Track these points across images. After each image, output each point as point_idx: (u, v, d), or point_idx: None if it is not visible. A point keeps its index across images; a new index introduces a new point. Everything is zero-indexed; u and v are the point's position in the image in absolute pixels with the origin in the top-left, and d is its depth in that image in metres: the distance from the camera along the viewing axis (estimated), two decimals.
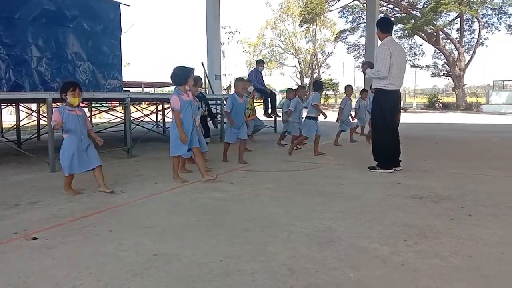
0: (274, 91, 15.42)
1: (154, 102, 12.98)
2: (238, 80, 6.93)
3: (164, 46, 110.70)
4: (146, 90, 19.63)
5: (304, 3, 40.47)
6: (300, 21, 41.65)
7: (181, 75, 5.03)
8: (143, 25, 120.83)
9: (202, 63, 13.42)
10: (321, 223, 3.50)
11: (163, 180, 5.33)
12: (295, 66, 48.94)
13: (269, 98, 11.54)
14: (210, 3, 15.17)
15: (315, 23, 42.23)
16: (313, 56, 46.91)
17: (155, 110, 13.17)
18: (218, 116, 10.07)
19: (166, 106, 12.18)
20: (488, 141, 10.28)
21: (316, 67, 47.40)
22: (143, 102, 13.76)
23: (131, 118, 7.84)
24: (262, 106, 11.74)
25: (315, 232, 3.27)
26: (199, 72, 13.64)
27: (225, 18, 59.53)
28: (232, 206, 4.10)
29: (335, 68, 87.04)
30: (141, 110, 12.90)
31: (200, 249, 2.91)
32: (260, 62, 12.07)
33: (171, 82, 5.25)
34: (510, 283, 2.42)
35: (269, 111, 11.52)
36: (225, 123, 7.83)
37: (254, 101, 10.41)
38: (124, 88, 11.18)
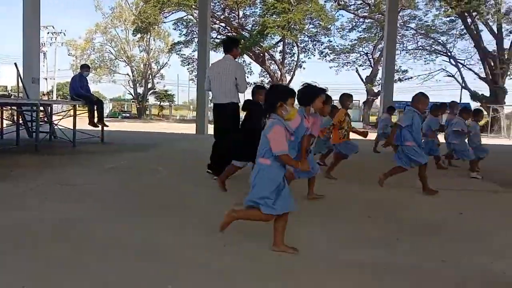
0: (102, 99, 14.50)
1: None
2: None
3: None
4: None
5: (138, 12, 39.56)
6: (133, 30, 40.47)
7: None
8: None
9: (15, 63, 11.80)
10: None
11: None
12: (128, 75, 47.26)
13: (96, 106, 10.80)
14: None
15: (149, 33, 41.61)
16: (147, 65, 46.07)
17: None
18: None
19: None
20: None
21: (150, 76, 46.65)
22: None
23: None
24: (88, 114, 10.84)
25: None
26: (12, 73, 12.02)
27: (47, 18, 54.00)
28: None
29: (170, 79, 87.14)
30: None
31: None
32: (84, 67, 11.22)
33: None
34: None
35: (95, 119, 10.78)
36: None
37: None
38: None
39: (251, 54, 36.49)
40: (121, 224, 3.66)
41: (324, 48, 37.12)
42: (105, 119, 11.73)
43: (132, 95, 48.01)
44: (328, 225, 3.93)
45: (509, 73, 30.70)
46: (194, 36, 37.28)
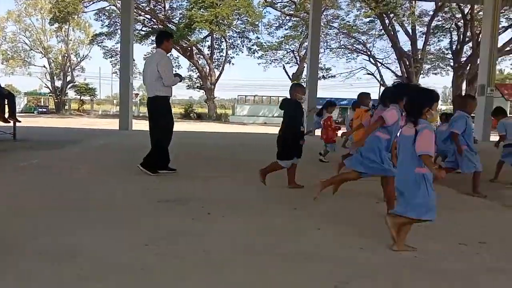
0: (15, 92, 13.37)
1: None
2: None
3: None
4: None
5: (55, 0, 37.02)
6: (50, 19, 37.82)
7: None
8: None
9: None
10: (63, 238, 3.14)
11: None
12: (44, 67, 44.13)
13: (6, 100, 9.92)
14: None
15: (68, 23, 39.14)
16: (66, 57, 43.34)
17: None
18: None
19: None
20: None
21: (69, 69, 43.94)
22: None
23: None
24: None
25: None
26: None
27: None
28: None
29: (91, 73, 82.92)
30: None
31: None
32: None
33: None
34: (235, 266, 2.68)
35: (6, 115, 9.91)
36: None
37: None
38: None
39: (178, 48, 35.76)
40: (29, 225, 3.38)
41: (252, 45, 37.45)
42: (19, 114, 10.81)
43: (50, 89, 44.87)
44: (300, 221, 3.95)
45: (422, 71, 33.24)
46: (118, 27, 35.71)
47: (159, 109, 6.00)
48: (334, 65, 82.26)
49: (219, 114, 38.77)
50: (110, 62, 39.38)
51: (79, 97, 47.26)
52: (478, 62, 18.65)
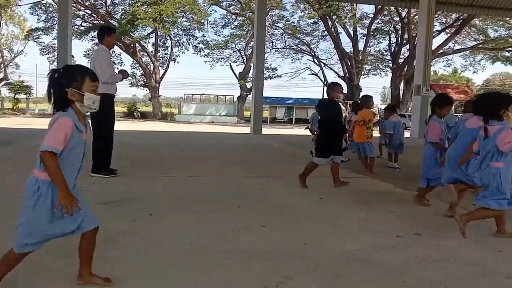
0: None
1: None
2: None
3: None
4: None
5: None
6: None
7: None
8: None
9: None
10: None
11: None
12: None
13: None
14: None
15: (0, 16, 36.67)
16: None
17: None
18: None
19: None
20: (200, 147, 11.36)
21: (2, 66, 41.18)
22: None
23: None
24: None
25: None
26: None
27: None
28: None
29: (27, 70, 78.27)
30: None
31: None
32: None
33: None
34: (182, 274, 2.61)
35: None
36: None
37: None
38: None
39: (120, 45, 34.61)
40: None
41: (198, 43, 37.05)
42: None
43: None
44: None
45: (363, 72, 34.53)
46: (55, 22, 33.94)
47: (100, 108, 5.73)
48: (280, 65, 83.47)
49: (164, 113, 37.98)
50: (48, 59, 37.34)
51: (13, 95, 44.38)
52: (415, 63, 19.62)
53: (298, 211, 4.32)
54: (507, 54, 32.23)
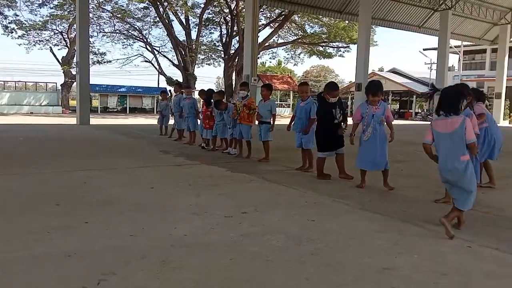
0: None
1: None
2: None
3: None
4: None
5: None
6: None
7: None
8: None
9: None
10: None
11: None
12: None
13: None
14: None
15: None
16: None
17: None
18: None
19: None
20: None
21: None
22: None
23: None
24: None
25: None
26: None
27: None
28: None
29: None
30: None
31: None
32: None
33: None
34: None
35: None
36: None
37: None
38: None
39: None
40: None
41: (9, 23, 32.14)
42: None
43: None
44: None
45: (197, 61, 34.91)
46: None
47: None
48: (109, 50, 78.41)
49: None
50: None
51: None
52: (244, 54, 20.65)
53: (126, 203, 4.09)
54: (321, 48, 36.48)
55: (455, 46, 30.97)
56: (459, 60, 33.90)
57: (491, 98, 25.76)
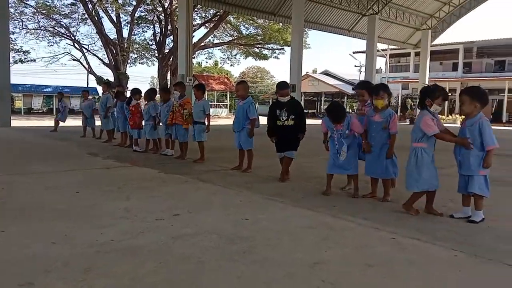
0: None
1: None
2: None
3: None
4: None
5: None
6: None
7: None
8: None
9: None
10: None
11: None
12: None
13: None
14: None
15: None
16: None
17: None
18: None
19: None
20: None
21: None
22: None
23: None
24: None
25: None
26: None
27: None
28: None
29: None
30: None
31: None
32: None
33: None
34: None
35: None
36: None
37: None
38: None
39: None
40: None
41: None
42: None
43: None
44: None
45: (129, 60, 33.76)
46: None
47: None
48: (33, 48, 73.51)
49: None
50: None
51: None
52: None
53: (48, 209, 3.82)
54: (256, 50, 36.86)
55: (382, 50, 32.76)
56: (386, 63, 35.89)
57: (415, 99, 27.54)
